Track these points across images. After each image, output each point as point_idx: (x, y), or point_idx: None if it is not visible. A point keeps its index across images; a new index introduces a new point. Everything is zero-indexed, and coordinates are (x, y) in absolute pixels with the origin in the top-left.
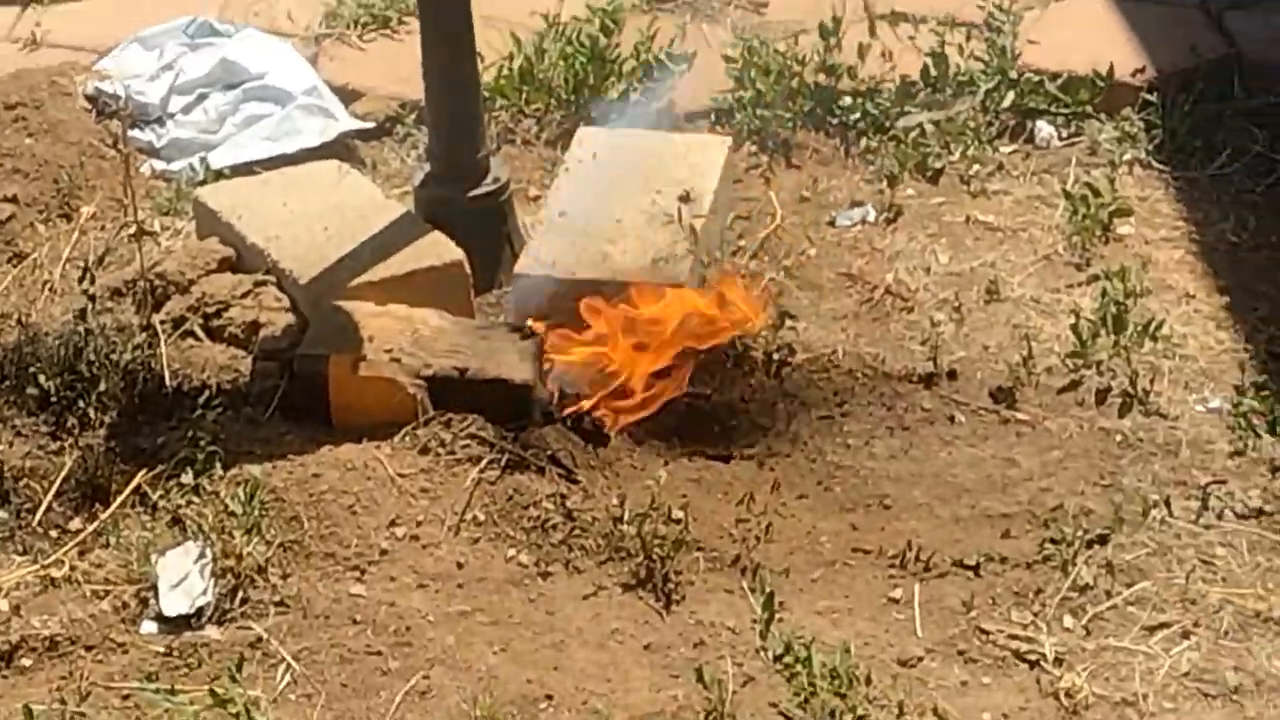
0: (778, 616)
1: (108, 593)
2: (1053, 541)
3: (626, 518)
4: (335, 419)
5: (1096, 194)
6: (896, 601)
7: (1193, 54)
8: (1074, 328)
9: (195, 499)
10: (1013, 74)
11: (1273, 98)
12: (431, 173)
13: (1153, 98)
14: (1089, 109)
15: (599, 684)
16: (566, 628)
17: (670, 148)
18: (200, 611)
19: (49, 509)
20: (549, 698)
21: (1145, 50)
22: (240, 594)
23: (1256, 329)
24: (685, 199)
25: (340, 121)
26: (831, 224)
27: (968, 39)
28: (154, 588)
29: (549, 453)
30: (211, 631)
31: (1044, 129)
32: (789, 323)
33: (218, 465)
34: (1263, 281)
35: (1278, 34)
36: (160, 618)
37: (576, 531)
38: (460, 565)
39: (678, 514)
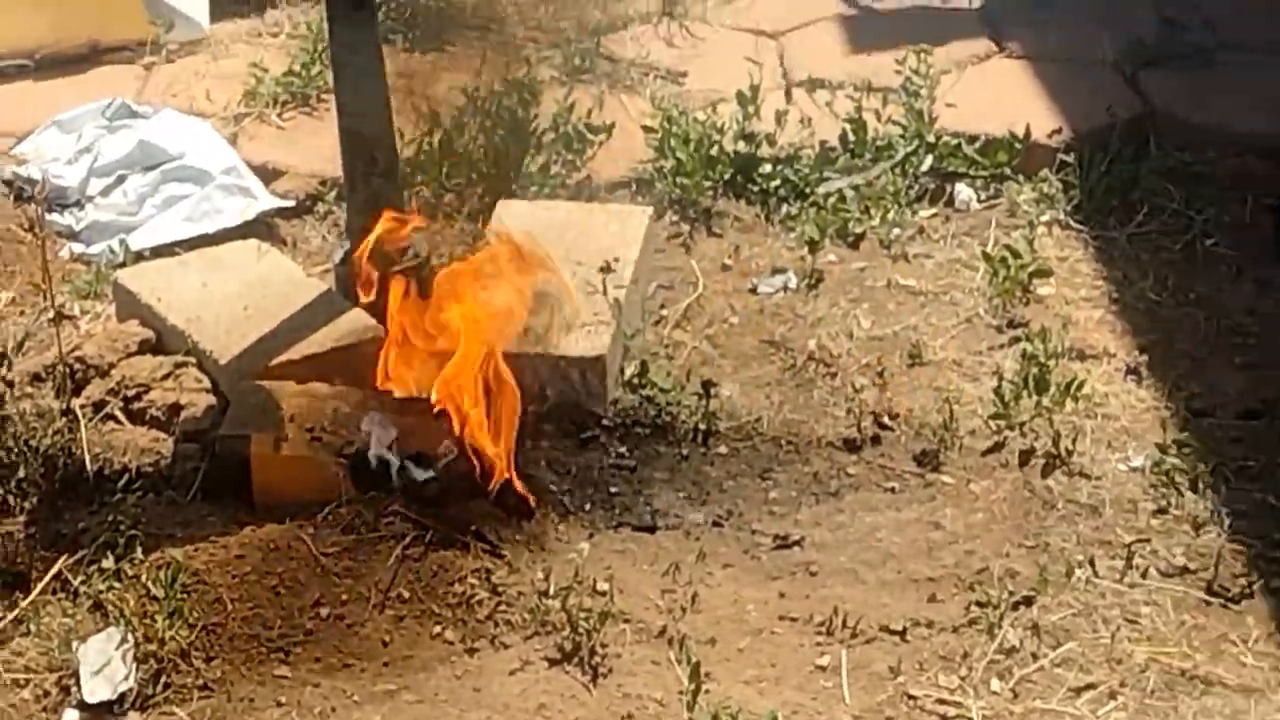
0: (705, 687)
1: (29, 681)
2: (979, 604)
3: (552, 591)
4: (257, 499)
5: (1016, 255)
6: (824, 669)
7: (1108, 114)
8: (996, 389)
9: (117, 584)
10: (930, 138)
11: (1188, 155)
12: (351, 249)
13: (1070, 158)
14: (1007, 171)
15: None
16: (494, 704)
17: (591, 218)
18: (123, 698)
19: None
20: None
21: (1061, 111)
22: (163, 679)
23: (1177, 386)
24: (607, 269)
25: (260, 200)
26: (753, 291)
27: (885, 104)
28: (76, 675)
29: (473, 528)
30: (134, 718)
31: (963, 192)
32: (713, 391)
33: (139, 549)
34: (1182, 339)
35: (1191, 91)
36: (82, 705)
37: (502, 606)
38: (385, 644)
39: (603, 586)
